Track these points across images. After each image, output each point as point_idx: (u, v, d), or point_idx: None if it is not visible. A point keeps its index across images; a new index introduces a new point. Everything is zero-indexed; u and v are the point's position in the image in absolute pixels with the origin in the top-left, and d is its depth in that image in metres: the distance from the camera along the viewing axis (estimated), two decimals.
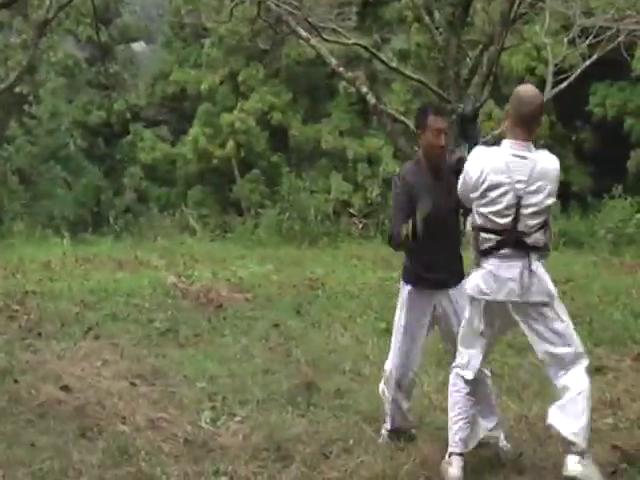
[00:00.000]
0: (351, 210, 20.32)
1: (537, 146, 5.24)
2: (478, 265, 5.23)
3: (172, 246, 14.99)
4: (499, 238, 5.11)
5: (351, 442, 5.92)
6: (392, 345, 5.98)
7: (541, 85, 18.23)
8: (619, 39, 16.26)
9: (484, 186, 5.06)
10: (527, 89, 5.25)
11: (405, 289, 5.78)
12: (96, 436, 5.80)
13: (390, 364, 5.94)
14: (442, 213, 5.46)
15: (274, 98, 25.96)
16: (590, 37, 16.85)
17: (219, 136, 25.66)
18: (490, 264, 5.16)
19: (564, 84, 16.59)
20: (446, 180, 5.52)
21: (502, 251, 5.12)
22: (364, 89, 16.64)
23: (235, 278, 11.20)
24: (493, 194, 5.04)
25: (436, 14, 15.91)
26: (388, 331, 8.73)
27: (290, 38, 20.55)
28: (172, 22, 29.11)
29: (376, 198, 23.07)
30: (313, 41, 16.21)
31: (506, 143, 5.14)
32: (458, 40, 15.50)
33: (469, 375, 5.34)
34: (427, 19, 16.04)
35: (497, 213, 5.08)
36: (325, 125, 26.05)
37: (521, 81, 23.52)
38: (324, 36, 16.17)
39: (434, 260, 5.62)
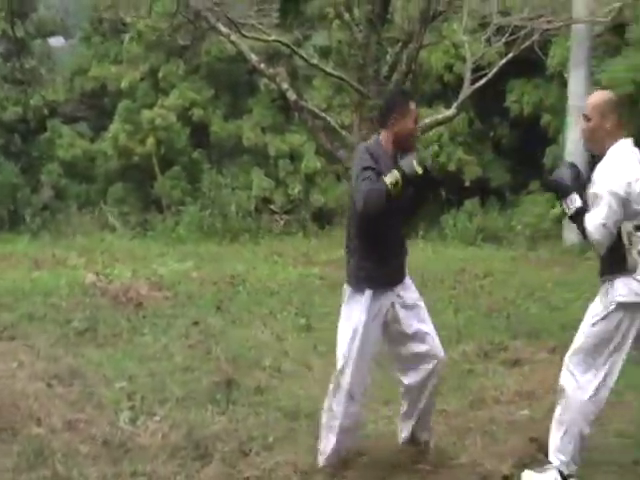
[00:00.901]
0: (272, 206, 20.31)
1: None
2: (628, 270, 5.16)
3: (91, 244, 14.83)
4: None
5: (271, 439, 5.91)
6: (345, 357, 5.36)
7: (459, 82, 18.45)
8: (534, 38, 16.51)
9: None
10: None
11: (363, 296, 5.31)
12: (10, 439, 5.70)
13: (348, 378, 5.35)
14: (400, 203, 5.23)
15: (195, 94, 25.77)
16: (506, 35, 17.08)
17: (139, 132, 25.36)
18: None
19: (482, 81, 16.77)
20: None
21: None
22: (285, 85, 16.61)
23: (155, 276, 11.11)
24: None
25: (356, 11, 15.94)
26: (308, 327, 8.80)
27: (210, 34, 20.43)
28: (91, 17, 28.68)
29: (298, 194, 23.08)
30: (233, 37, 16.13)
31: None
32: (378, 37, 15.57)
33: None
34: (347, 16, 16.08)
35: None
36: (246, 121, 25.94)
37: (440, 78, 23.80)
38: (244, 32, 16.11)
39: (393, 254, 5.40)
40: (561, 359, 7.35)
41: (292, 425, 6.17)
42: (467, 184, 22.96)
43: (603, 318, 5.19)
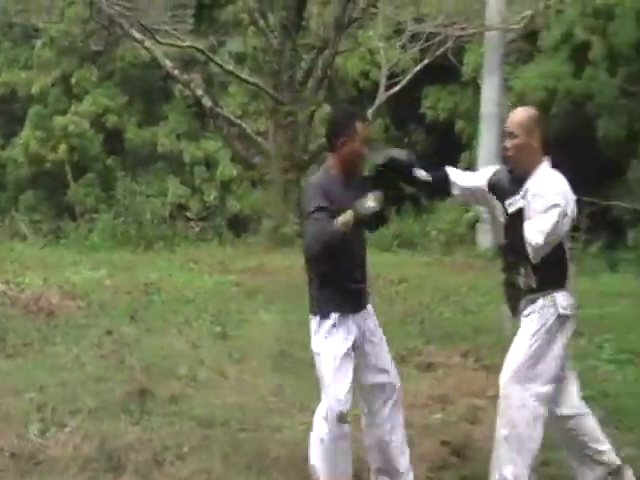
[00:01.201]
0: (188, 214, 20.16)
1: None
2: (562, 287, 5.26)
3: (1, 253, 14.48)
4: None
5: (185, 449, 5.83)
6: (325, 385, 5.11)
7: (375, 89, 18.58)
8: (448, 44, 16.71)
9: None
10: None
11: (329, 321, 5.07)
12: None
13: (333, 405, 5.07)
14: (358, 235, 5.12)
15: (109, 101, 25.48)
16: (421, 42, 17.26)
17: (51, 139, 25.00)
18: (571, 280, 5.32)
19: (397, 87, 16.95)
20: (356, 190, 5.10)
21: None
22: (200, 92, 16.55)
23: (67, 285, 10.89)
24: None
25: (271, 17, 15.94)
26: (224, 335, 8.72)
27: (124, 40, 20.23)
28: (0, 22, 28.18)
29: (213, 201, 22.97)
30: (147, 43, 16.01)
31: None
32: (293, 44, 15.60)
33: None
34: (262, 22, 16.08)
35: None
36: (161, 128, 25.75)
37: (356, 84, 23.92)
38: (158, 38, 15.98)
39: (352, 280, 5.13)
40: (474, 362, 7.47)
41: (207, 434, 6.10)
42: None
43: (540, 331, 5.23)
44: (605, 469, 5.39)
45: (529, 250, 5.11)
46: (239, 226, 21.69)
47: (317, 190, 4.99)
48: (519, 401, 5.17)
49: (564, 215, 5.15)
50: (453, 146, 22.13)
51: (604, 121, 18.06)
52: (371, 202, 4.92)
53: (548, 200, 5.17)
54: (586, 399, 6.83)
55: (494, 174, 5.42)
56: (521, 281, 5.25)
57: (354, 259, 5.14)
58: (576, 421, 5.41)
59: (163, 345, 8.32)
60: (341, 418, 5.03)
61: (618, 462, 5.35)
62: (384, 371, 5.27)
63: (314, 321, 5.12)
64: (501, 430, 5.20)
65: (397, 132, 24.55)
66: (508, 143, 5.32)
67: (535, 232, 5.09)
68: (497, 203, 5.36)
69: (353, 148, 5.05)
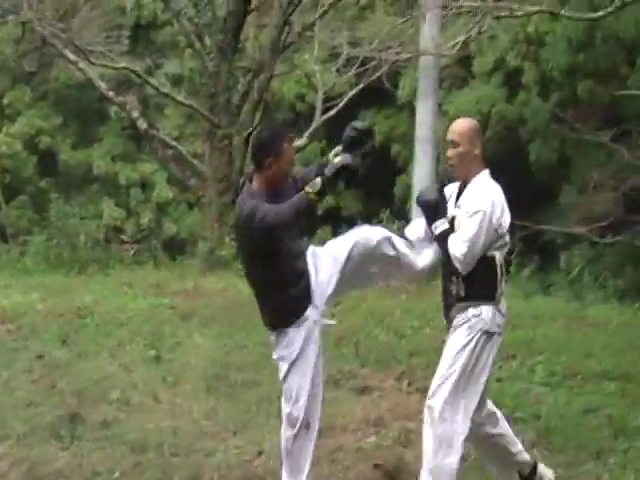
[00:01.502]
0: (123, 236, 19.98)
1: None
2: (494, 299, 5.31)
3: None
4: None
5: (117, 474, 5.79)
6: (301, 392, 5.17)
7: (311, 112, 18.65)
8: (383, 69, 16.84)
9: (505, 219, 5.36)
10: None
11: (305, 325, 5.18)
12: None
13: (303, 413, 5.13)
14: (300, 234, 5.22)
15: (42, 122, 25.19)
16: (356, 66, 17.38)
17: None
18: (503, 300, 5.36)
19: (333, 111, 17.01)
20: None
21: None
22: (135, 114, 16.43)
23: None
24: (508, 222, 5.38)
25: (207, 40, 15.91)
26: (158, 358, 8.63)
27: (58, 61, 20.04)
28: None
29: (149, 224, 22.82)
30: (81, 64, 15.85)
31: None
32: (229, 66, 15.58)
33: None
34: (198, 45, 16.03)
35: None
36: (96, 150, 25.55)
37: (293, 107, 24.00)
38: (92, 60, 15.85)
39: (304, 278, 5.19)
40: (408, 385, 7.50)
41: (139, 459, 6.04)
42: (320, 213, 23.14)
43: (468, 346, 5.30)
44: (525, 468, 5.48)
45: (456, 264, 5.19)
46: (175, 248, 21.58)
47: (261, 199, 4.97)
48: (442, 416, 5.21)
49: (489, 222, 5.23)
50: (389, 170, 22.31)
51: (536, 145, 18.36)
52: (338, 158, 5.04)
53: (473, 207, 5.29)
54: (518, 421, 6.93)
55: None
56: (453, 289, 5.34)
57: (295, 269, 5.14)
58: (492, 425, 5.48)
59: (95, 369, 8.20)
60: (308, 427, 5.16)
61: (532, 461, 5.58)
62: None
63: (273, 336, 5.27)
64: (425, 442, 5.24)
65: None
66: (450, 152, 5.42)
67: (458, 243, 5.19)
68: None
69: (280, 168, 5.05)
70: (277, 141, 5.06)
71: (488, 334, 5.29)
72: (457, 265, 5.22)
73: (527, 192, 19.52)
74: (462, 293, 5.30)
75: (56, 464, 5.83)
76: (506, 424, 5.52)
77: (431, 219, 5.34)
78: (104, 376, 7.95)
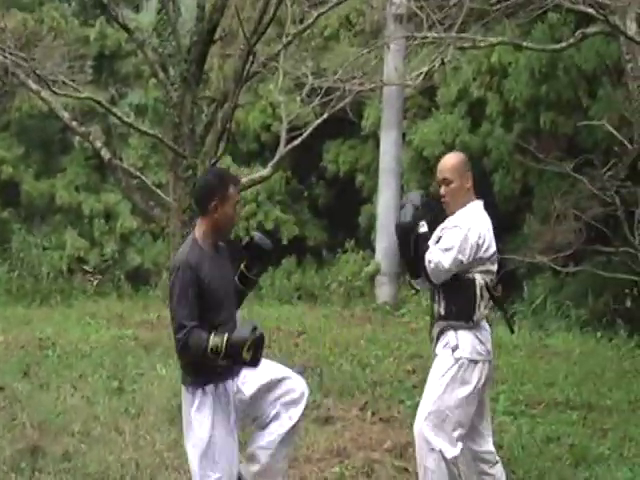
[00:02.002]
0: (86, 267, 19.87)
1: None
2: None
3: None
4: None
5: None
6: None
7: (276, 142, 18.68)
8: (347, 99, 16.91)
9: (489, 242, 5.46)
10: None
11: (205, 394, 4.95)
12: None
13: None
14: (228, 284, 5.09)
15: (4, 152, 24.96)
16: (320, 96, 17.43)
17: None
18: (484, 323, 5.47)
19: (297, 141, 17.02)
20: (223, 251, 5.14)
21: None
22: (98, 144, 16.37)
23: None
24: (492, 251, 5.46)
25: (171, 70, 15.91)
26: (120, 389, 8.57)
27: (21, 90, 19.94)
28: None
29: (112, 254, 22.69)
30: (44, 94, 15.78)
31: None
32: (193, 96, 15.58)
33: None
34: (162, 75, 16.03)
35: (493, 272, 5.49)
36: (59, 180, 25.36)
37: (257, 137, 24.03)
38: (55, 89, 15.78)
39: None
40: (372, 415, 7.49)
41: None
42: (285, 242, 23.16)
43: (449, 373, 5.40)
44: None
45: (428, 269, 5.26)
46: (139, 279, 21.47)
47: (186, 274, 4.81)
48: (428, 445, 5.24)
49: (464, 238, 5.30)
50: (354, 199, 22.36)
51: (500, 176, 18.48)
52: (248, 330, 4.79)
53: (452, 223, 5.50)
54: None
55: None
56: (435, 307, 5.43)
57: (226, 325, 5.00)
58: (487, 464, 5.51)
59: (57, 401, 8.14)
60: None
61: None
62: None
63: (188, 396, 5.02)
64: (418, 471, 5.35)
65: (298, 185, 24.70)
66: (444, 190, 5.51)
67: (433, 251, 5.27)
68: None
69: (225, 212, 4.96)
70: (223, 184, 5.00)
71: (471, 361, 5.32)
72: (429, 273, 5.33)
73: (491, 222, 19.64)
74: (442, 311, 5.40)
75: None
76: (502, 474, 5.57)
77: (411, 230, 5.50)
78: (66, 408, 7.89)
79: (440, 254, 5.33)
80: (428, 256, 5.32)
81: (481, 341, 5.41)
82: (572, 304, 15.04)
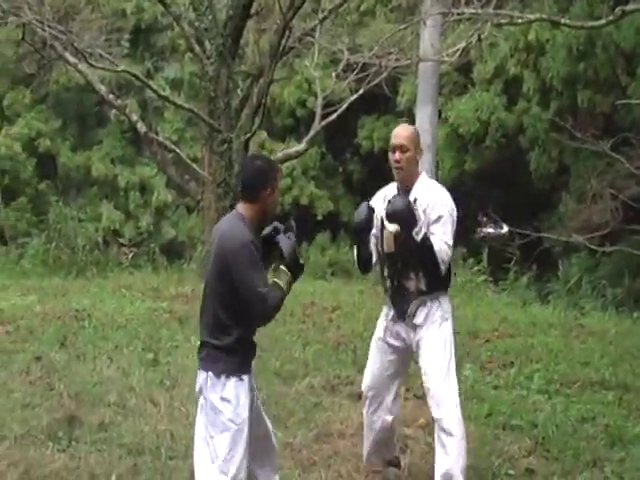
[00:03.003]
0: (121, 239, 19.97)
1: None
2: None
3: None
4: None
5: (113, 477, 5.79)
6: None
7: (311, 117, 18.66)
8: (383, 75, 16.83)
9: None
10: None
11: (241, 381, 4.90)
12: None
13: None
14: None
15: (42, 124, 25.15)
16: (356, 72, 17.37)
17: None
18: None
19: (332, 116, 16.98)
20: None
21: None
22: (134, 117, 16.41)
23: None
24: None
25: (207, 44, 15.90)
26: (155, 361, 8.64)
27: (58, 63, 20.01)
28: None
29: (147, 227, 22.80)
30: (81, 67, 15.83)
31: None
32: (229, 71, 15.57)
33: None
34: (198, 49, 16.02)
35: None
36: (96, 152, 25.52)
37: (292, 113, 24.03)
38: (92, 62, 15.83)
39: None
40: (406, 391, 7.50)
41: (136, 461, 6.05)
42: (319, 218, 23.19)
43: (446, 340, 5.65)
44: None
45: (439, 261, 5.39)
46: (173, 252, 21.56)
47: (252, 249, 4.77)
48: (459, 420, 5.53)
49: (453, 221, 5.61)
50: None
51: (536, 154, 18.36)
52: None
53: (442, 210, 5.59)
54: (515, 429, 6.94)
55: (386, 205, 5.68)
56: (411, 285, 5.48)
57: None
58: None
59: (93, 372, 8.22)
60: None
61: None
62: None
63: (212, 381, 4.92)
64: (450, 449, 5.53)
65: (333, 161, 24.69)
66: (399, 156, 5.57)
67: (443, 245, 5.41)
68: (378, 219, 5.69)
69: (274, 200, 4.98)
70: (274, 172, 4.98)
71: (446, 320, 5.66)
72: (440, 263, 5.49)
73: (527, 200, 19.56)
74: (423, 287, 5.55)
75: (53, 466, 5.84)
76: None
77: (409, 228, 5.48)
78: (102, 379, 7.97)
79: (447, 248, 5.52)
80: (439, 253, 5.47)
81: (450, 301, 5.78)
82: (608, 283, 14.94)
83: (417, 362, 5.73)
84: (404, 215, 5.45)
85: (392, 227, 5.48)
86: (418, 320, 5.64)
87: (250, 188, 4.93)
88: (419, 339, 5.65)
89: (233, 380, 4.84)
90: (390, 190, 5.79)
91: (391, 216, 5.50)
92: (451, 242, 5.52)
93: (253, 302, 4.72)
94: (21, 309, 10.82)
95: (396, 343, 5.79)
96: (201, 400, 4.94)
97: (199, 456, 4.87)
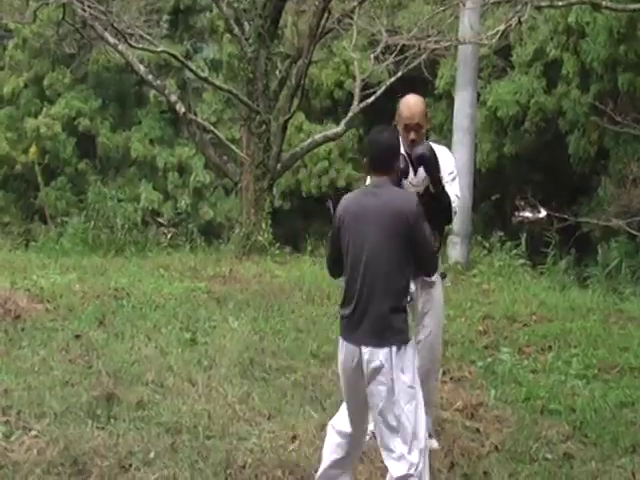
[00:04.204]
0: (160, 219, 20.10)
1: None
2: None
3: None
4: None
5: (152, 454, 5.82)
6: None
7: (349, 99, 18.63)
8: (422, 57, 16.77)
9: None
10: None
11: (409, 346, 4.94)
12: None
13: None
14: None
15: (82, 104, 25.33)
16: (394, 54, 17.31)
17: (23, 141, 24.87)
18: None
19: (371, 99, 16.96)
20: None
21: None
22: (173, 98, 16.48)
23: (35, 288, 10.79)
24: None
25: (246, 25, 15.92)
26: (193, 341, 8.69)
27: (98, 43, 20.12)
28: None
29: (186, 208, 22.90)
30: (121, 47, 15.92)
31: None
32: (267, 52, 15.59)
33: None
34: (237, 30, 16.04)
35: None
36: (135, 133, 25.67)
37: (330, 94, 23.98)
38: (132, 43, 15.90)
39: None
40: (443, 375, 7.49)
41: (173, 440, 6.08)
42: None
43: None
44: None
45: (453, 212, 5.55)
46: (212, 233, 21.66)
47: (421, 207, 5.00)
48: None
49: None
50: None
51: (575, 137, 18.20)
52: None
53: (452, 167, 5.86)
54: (553, 413, 6.91)
55: None
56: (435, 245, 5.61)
57: None
58: None
59: (131, 350, 8.26)
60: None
61: None
62: None
63: (396, 351, 4.82)
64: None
65: None
66: (414, 135, 5.68)
67: (456, 199, 5.70)
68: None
69: (398, 172, 5.21)
70: (399, 144, 5.19)
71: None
72: (453, 215, 5.80)
73: (565, 184, 19.40)
74: (438, 245, 5.70)
75: (92, 443, 5.88)
76: None
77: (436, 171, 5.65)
78: (140, 357, 8.01)
79: (456, 198, 5.79)
80: (453, 200, 5.73)
81: None
82: None
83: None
84: (431, 158, 5.61)
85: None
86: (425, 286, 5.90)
87: (383, 159, 5.05)
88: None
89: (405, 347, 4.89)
90: None
91: (420, 159, 5.64)
92: (459, 195, 5.82)
93: (430, 252, 5.06)
94: (60, 287, 10.89)
95: None
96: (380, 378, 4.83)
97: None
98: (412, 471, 4.76)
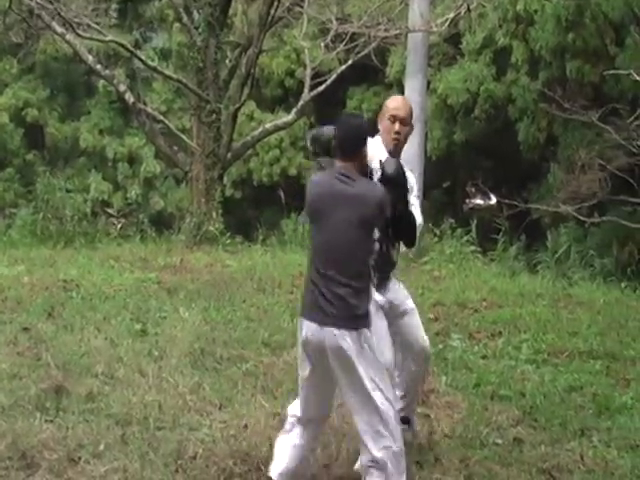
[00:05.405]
0: (110, 210, 19.92)
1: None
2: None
3: None
4: None
5: (101, 446, 5.76)
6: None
7: (300, 88, 18.60)
8: (372, 45, 16.78)
9: None
10: None
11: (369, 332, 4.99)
12: None
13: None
14: None
15: (29, 94, 25.05)
16: (345, 42, 17.30)
17: None
18: None
19: (321, 87, 16.94)
20: None
21: None
22: (122, 87, 16.35)
23: None
24: None
25: (196, 14, 15.83)
26: (144, 332, 8.62)
27: (45, 32, 19.87)
28: None
29: (136, 198, 22.74)
30: (69, 37, 15.74)
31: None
32: (217, 41, 15.51)
33: None
34: (186, 19, 15.94)
35: None
36: (84, 123, 25.45)
37: (281, 83, 23.93)
38: (80, 32, 15.72)
39: None
40: None
41: (124, 432, 6.02)
42: None
43: None
44: None
45: (418, 232, 5.45)
46: (162, 223, 21.51)
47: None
48: None
49: None
50: None
51: (524, 124, 18.34)
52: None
53: (415, 189, 5.64)
54: (503, 398, 6.96)
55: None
56: (394, 255, 5.54)
57: None
58: None
59: (81, 342, 8.17)
60: None
61: None
62: None
63: (356, 335, 4.83)
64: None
65: None
66: (399, 128, 5.46)
67: (419, 217, 5.43)
68: None
69: (366, 158, 5.07)
70: (368, 130, 5.08)
71: None
72: (418, 233, 5.52)
73: (515, 171, 19.54)
74: (396, 258, 5.58)
75: (41, 436, 5.81)
76: None
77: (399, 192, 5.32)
78: (90, 349, 7.92)
79: (419, 216, 5.49)
80: (419, 221, 5.46)
81: None
82: (596, 254, 14.98)
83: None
84: (400, 180, 5.34)
85: None
86: (392, 285, 5.63)
87: (348, 144, 5.00)
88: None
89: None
90: (377, 149, 5.52)
91: (389, 180, 5.23)
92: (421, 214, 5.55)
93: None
94: (9, 279, 10.76)
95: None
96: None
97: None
98: (389, 443, 4.80)
